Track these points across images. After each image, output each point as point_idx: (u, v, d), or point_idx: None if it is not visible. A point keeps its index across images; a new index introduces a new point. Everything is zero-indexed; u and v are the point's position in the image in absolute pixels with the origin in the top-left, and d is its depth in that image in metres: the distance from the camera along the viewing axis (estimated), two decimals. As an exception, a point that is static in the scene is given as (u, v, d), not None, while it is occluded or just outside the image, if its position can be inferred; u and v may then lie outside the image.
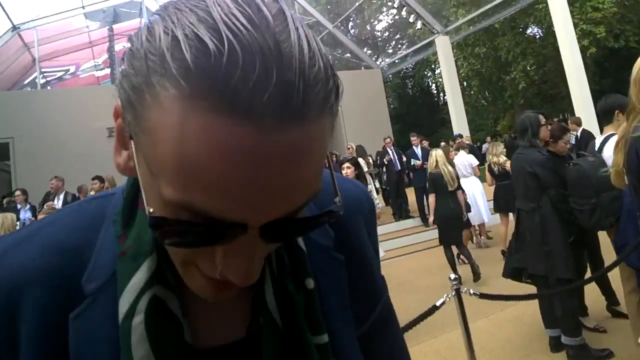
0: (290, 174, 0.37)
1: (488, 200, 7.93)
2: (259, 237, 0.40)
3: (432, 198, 6.49)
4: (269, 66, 0.34)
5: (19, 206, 8.46)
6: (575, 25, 13.42)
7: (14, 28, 13.81)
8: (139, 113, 0.38)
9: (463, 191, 6.57)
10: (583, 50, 14.14)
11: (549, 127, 4.04)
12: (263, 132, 0.34)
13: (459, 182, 6.41)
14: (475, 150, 11.33)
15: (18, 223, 7.17)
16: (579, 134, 8.64)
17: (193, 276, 0.45)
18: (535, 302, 3.99)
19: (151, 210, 0.39)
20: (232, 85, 0.33)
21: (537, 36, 22.21)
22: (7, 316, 0.50)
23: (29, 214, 8.34)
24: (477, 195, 7.79)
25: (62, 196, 8.67)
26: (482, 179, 8.14)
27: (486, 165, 7.59)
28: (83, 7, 14.82)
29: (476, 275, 6.02)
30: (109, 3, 15.46)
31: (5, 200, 9.30)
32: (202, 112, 0.34)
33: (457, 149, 8.43)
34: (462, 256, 6.95)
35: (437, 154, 6.51)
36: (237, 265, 0.41)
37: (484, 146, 13.06)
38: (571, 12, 12.70)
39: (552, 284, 3.68)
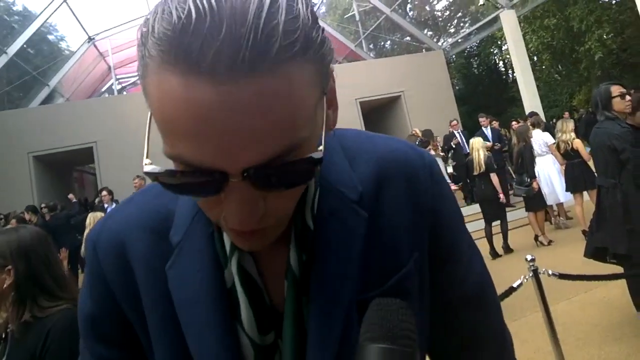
0: (251, 122, 0.40)
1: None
2: (246, 184, 0.44)
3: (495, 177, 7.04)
4: (218, 24, 0.38)
5: (106, 205, 9.03)
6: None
7: (90, 39, 14.72)
8: (144, 80, 0.44)
9: (498, 173, 7.17)
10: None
11: (627, 97, 3.80)
12: (217, 85, 0.39)
13: (487, 167, 6.98)
14: (550, 128, 10.81)
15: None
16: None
17: (222, 221, 0.51)
18: (624, 283, 3.75)
19: (145, 164, 0.46)
20: (186, 45, 0.39)
21: (613, 1, 20.73)
22: (124, 269, 0.63)
23: None
24: (553, 174, 7.48)
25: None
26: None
27: (554, 144, 7.21)
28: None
29: (502, 251, 7.01)
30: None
31: (96, 200, 9.97)
32: (169, 73, 0.40)
33: (532, 127, 8.04)
34: (540, 238, 6.80)
35: (473, 141, 7.43)
36: (233, 211, 0.47)
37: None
38: (650, -29, 11.75)
39: (637, 264, 3.48)
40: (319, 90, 0.46)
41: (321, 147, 0.47)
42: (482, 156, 7.05)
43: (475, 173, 7.11)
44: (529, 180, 6.92)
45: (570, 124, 7.12)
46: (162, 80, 0.41)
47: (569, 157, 6.83)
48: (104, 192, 9.24)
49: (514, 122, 9.70)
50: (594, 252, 3.87)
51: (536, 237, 7.05)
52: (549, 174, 7.50)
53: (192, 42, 0.38)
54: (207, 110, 0.40)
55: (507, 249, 7.09)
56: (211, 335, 0.58)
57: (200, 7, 0.39)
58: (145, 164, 0.46)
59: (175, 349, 0.61)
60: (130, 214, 0.66)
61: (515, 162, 7.23)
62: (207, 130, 0.40)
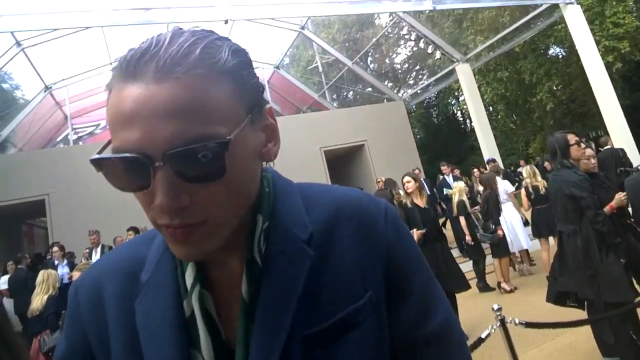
0: (170, 112, 0.53)
1: (526, 226, 7.69)
2: (168, 170, 0.53)
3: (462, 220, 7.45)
4: (155, 47, 0.56)
5: (56, 262, 8.53)
6: (598, 42, 13.21)
7: (47, 88, 14.40)
8: (107, 101, 0.59)
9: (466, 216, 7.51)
10: (609, 66, 13.86)
11: (582, 145, 3.90)
12: (145, 85, 0.54)
13: (458, 210, 7.50)
14: (509, 175, 11.05)
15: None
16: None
17: (161, 229, 0.59)
18: (589, 329, 3.73)
19: (93, 157, 0.57)
20: (129, 59, 0.56)
21: (560, 56, 21.98)
22: (98, 309, 0.69)
23: (66, 269, 8.36)
24: (515, 222, 7.60)
25: (99, 249, 8.85)
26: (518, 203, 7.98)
27: (522, 189, 7.43)
28: (111, 64, 15.37)
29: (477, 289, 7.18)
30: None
31: (47, 257, 9.40)
32: (117, 81, 0.57)
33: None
34: (502, 285, 6.86)
35: (454, 185, 8.10)
36: (160, 198, 0.54)
37: (519, 170, 12.69)
38: (592, 30, 12.52)
39: (600, 309, 3.45)
40: (239, 104, 0.59)
41: (230, 137, 0.55)
42: (456, 200, 7.59)
43: (454, 215, 7.77)
44: (493, 227, 6.94)
45: (536, 170, 7.41)
46: (113, 88, 0.57)
47: (537, 203, 6.92)
48: (55, 248, 8.76)
49: (475, 170, 9.90)
50: (556, 297, 3.86)
51: (499, 284, 7.02)
52: (511, 221, 7.59)
53: (134, 57, 0.55)
54: (137, 103, 0.53)
55: (485, 288, 7.27)
56: None
57: (154, 39, 0.57)
58: (93, 156, 0.57)
59: None
60: (110, 260, 0.75)
61: (482, 208, 7.28)
62: (137, 118, 0.53)
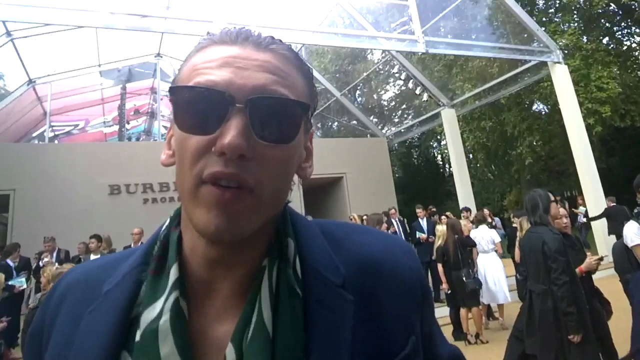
0: (259, 69, 0.58)
1: (508, 276, 7.53)
2: (245, 115, 0.55)
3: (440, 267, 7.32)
4: (239, 32, 0.62)
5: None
6: (581, 104, 13.56)
7: (30, 82, 14.11)
8: (180, 71, 0.64)
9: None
10: (589, 128, 14.21)
11: (558, 204, 3.93)
12: (243, 48, 0.60)
13: (437, 256, 7.38)
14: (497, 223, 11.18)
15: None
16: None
17: (201, 189, 0.56)
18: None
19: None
20: (224, 34, 0.63)
21: (543, 112, 22.55)
22: (55, 312, 0.66)
23: (22, 279, 7.87)
24: (500, 273, 7.46)
25: (55, 254, 8.60)
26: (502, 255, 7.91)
27: (518, 240, 7.25)
28: (99, 65, 15.21)
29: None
30: (124, 62, 15.86)
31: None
32: (211, 43, 0.62)
33: (480, 222, 8.18)
34: (481, 337, 6.84)
35: (437, 228, 7.71)
36: (230, 137, 0.54)
37: (496, 220, 12.77)
38: (576, 90, 12.90)
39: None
40: (306, 105, 0.61)
41: (311, 110, 0.65)
42: (437, 245, 7.47)
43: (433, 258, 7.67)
44: (471, 272, 6.84)
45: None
46: (206, 47, 0.62)
47: None
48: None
49: (443, 217, 9.90)
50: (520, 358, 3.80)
51: (465, 335, 6.90)
52: (497, 272, 7.44)
53: (230, 32, 0.62)
54: (236, 56, 0.59)
55: (459, 336, 7.07)
56: None
57: (241, 28, 0.64)
58: (176, 84, 0.61)
59: None
60: (80, 272, 0.71)
61: (453, 255, 7.13)
62: (235, 64, 0.58)
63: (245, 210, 0.56)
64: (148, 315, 0.58)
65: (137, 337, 0.57)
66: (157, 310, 0.58)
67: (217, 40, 0.61)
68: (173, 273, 0.61)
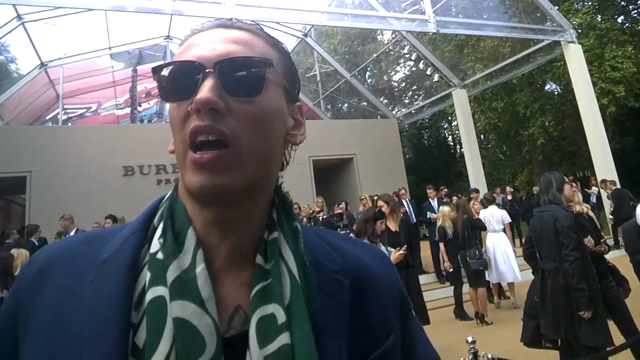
0: (226, 41, 0.67)
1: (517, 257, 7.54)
2: (215, 77, 0.63)
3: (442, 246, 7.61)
4: (215, 21, 0.71)
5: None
6: (594, 84, 13.38)
7: (42, 65, 14.20)
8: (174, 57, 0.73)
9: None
10: (603, 108, 14.05)
11: (572, 187, 3.94)
12: (215, 28, 0.70)
13: (439, 236, 7.62)
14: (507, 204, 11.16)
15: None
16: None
17: (187, 155, 0.64)
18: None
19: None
20: (200, 26, 0.71)
21: (556, 92, 22.27)
22: (34, 290, 0.66)
23: None
24: (509, 252, 7.58)
25: (72, 233, 8.65)
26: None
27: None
28: (110, 48, 15.25)
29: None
30: (135, 45, 15.88)
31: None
32: (190, 35, 0.71)
33: (489, 202, 8.26)
34: (486, 318, 6.81)
35: (441, 208, 7.94)
36: (202, 93, 0.61)
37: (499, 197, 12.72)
38: (590, 70, 12.71)
39: (577, 352, 3.43)
40: (268, 61, 0.67)
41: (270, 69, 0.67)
42: (438, 225, 7.70)
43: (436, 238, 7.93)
44: (478, 252, 6.90)
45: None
46: (187, 40, 0.70)
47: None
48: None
49: (454, 198, 9.91)
50: (533, 337, 3.84)
51: (476, 314, 6.95)
52: (506, 251, 7.52)
53: (205, 25, 0.71)
54: (206, 36, 0.68)
55: (461, 315, 7.27)
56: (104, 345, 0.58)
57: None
58: (156, 63, 0.71)
59: None
60: (62, 245, 0.72)
61: (462, 235, 7.18)
62: (204, 42, 0.67)
63: (225, 166, 0.62)
64: (178, 264, 0.62)
65: (168, 281, 0.60)
66: (188, 261, 0.62)
67: (195, 31, 0.70)
68: (191, 233, 0.65)
